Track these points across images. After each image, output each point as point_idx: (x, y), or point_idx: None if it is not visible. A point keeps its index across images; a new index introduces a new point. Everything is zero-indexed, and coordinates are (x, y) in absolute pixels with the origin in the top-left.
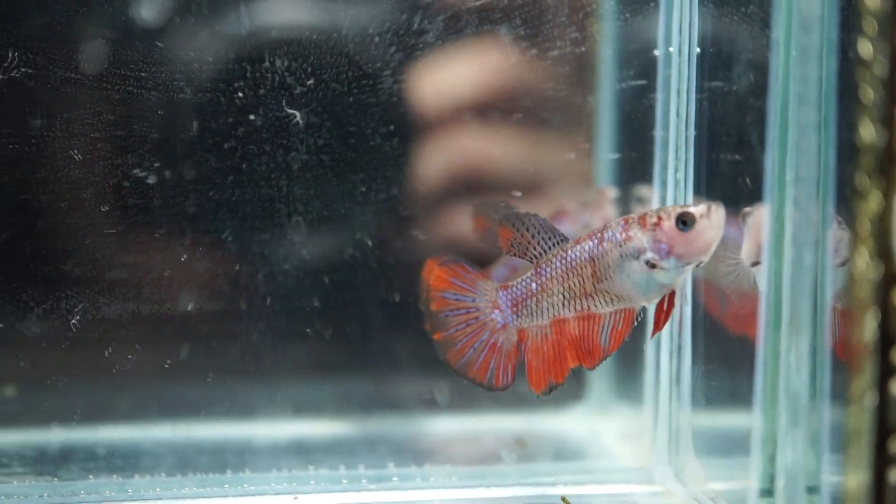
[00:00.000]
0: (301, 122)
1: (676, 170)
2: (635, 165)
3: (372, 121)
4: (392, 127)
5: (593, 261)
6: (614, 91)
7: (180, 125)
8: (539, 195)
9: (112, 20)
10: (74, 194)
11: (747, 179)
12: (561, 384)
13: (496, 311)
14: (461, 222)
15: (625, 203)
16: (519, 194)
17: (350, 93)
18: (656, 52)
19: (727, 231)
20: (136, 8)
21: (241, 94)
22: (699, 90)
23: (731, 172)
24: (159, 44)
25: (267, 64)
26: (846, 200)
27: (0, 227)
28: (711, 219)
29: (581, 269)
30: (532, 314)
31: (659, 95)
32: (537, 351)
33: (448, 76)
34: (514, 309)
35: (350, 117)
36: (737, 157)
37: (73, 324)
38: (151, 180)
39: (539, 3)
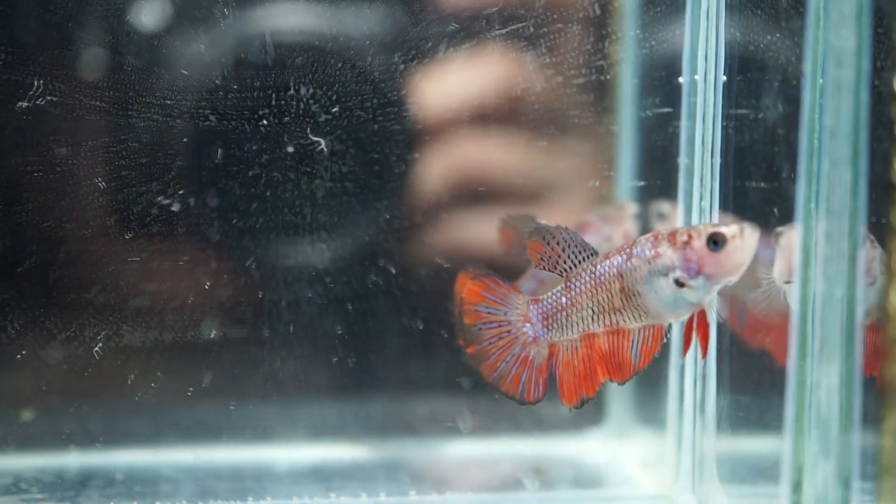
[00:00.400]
0: (326, 149)
1: (702, 198)
2: (660, 192)
3: (396, 148)
4: (416, 154)
5: (622, 276)
6: (638, 118)
7: (205, 153)
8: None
9: (137, 49)
10: (98, 222)
11: (775, 209)
12: (592, 398)
13: (527, 325)
14: (483, 242)
15: (645, 219)
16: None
17: (375, 120)
18: (681, 80)
19: (759, 250)
20: (162, 37)
21: (265, 122)
22: (725, 118)
23: (758, 202)
24: (185, 72)
25: (292, 92)
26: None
27: (24, 254)
28: (744, 240)
29: (610, 284)
30: (562, 328)
31: (684, 123)
32: (568, 365)
33: (470, 97)
34: (545, 322)
35: (375, 144)
36: (763, 185)
37: (96, 351)
38: (175, 208)
39: (564, 31)
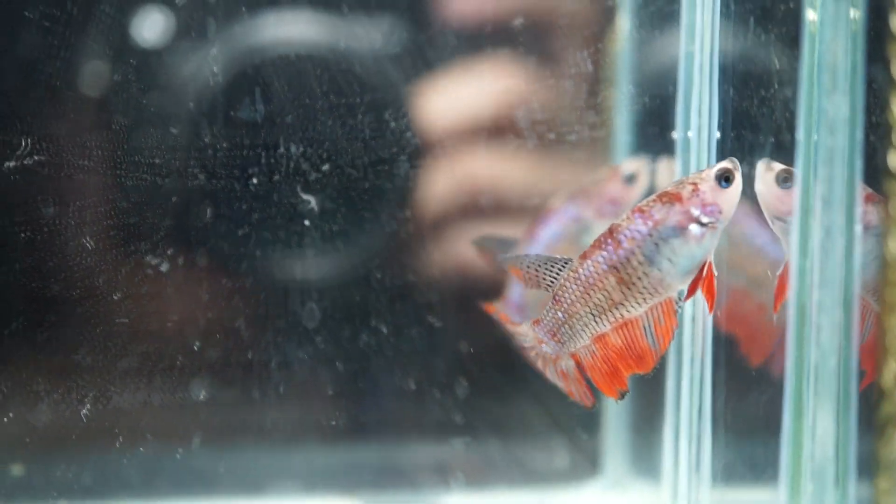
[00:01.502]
0: (316, 207)
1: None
2: None
3: (387, 206)
4: (408, 212)
5: (615, 269)
6: None
7: (194, 212)
8: None
9: (126, 107)
10: (86, 282)
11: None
12: (627, 391)
13: (543, 345)
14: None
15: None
16: None
17: (366, 178)
18: (675, 135)
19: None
20: (150, 94)
21: (255, 181)
22: None
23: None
24: (173, 130)
25: (282, 150)
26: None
27: (11, 315)
28: (738, 169)
29: (601, 282)
30: (571, 338)
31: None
32: (593, 369)
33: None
34: (555, 338)
35: (365, 202)
36: None
37: (84, 413)
38: (164, 267)
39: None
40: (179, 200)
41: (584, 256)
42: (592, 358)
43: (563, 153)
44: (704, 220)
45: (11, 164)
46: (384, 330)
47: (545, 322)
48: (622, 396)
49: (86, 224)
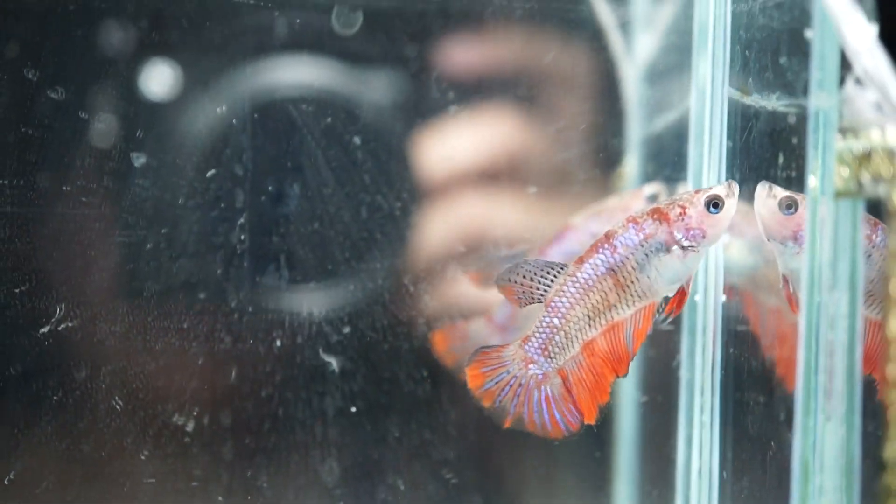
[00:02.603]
0: (337, 369)
1: (702, 411)
2: (662, 410)
3: (405, 367)
4: (425, 373)
5: (613, 271)
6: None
7: (219, 373)
8: None
9: (156, 274)
10: (115, 442)
11: (781, 415)
12: (608, 402)
13: (531, 366)
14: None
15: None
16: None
17: (385, 340)
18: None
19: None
20: (179, 261)
21: (279, 343)
22: (724, 335)
23: (759, 413)
24: (201, 296)
25: (305, 314)
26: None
27: (43, 474)
28: (733, 195)
29: (600, 284)
30: (562, 348)
31: (685, 338)
32: (580, 382)
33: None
34: (546, 353)
35: (384, 364)
36: (761, 399)
37: None
38: (190, 427)
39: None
40: (206, 363)
41: (580, 261)
42: (579, 369)
43: (559, 199)
44: (685, 244)
45: (46, 329)
46: (401, 486)
47: (537, 335)
48: (601, 415)
49: (114, 387)
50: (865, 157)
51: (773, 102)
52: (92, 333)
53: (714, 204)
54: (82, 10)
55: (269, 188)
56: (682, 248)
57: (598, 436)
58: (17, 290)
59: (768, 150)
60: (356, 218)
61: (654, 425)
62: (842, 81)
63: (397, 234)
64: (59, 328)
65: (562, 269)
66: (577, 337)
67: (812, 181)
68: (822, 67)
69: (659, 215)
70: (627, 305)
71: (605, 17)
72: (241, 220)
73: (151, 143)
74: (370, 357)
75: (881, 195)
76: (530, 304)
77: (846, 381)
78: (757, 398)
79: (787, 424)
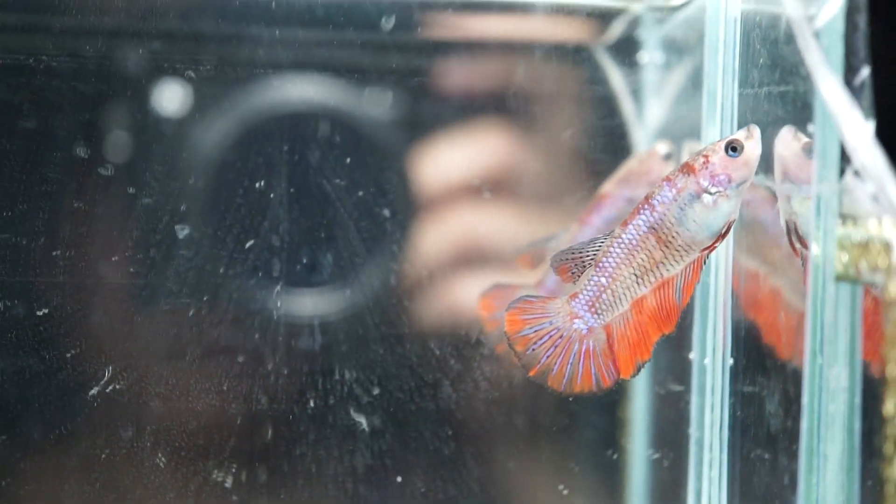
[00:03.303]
0: (367, 428)
1: (710, 468)
2: (673, 467)
3: (431, 426)
4: (449, 431)
5: (654, 229)
6: (652, 395)
7: (256, 432)
8: None
9: (198, 340)
10: (158, 497)
11: (785, 478)
12: (648, 360)
13: (576, 321)
14: None
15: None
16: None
17: (413, 401)
18: (692, 356)
19: None
20: (220, 327)
21: (312, 404)
22: (732, 394)
23: (764, 471)
24: (240, 359)
25: (337, 377)
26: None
27: None
28: (753, 137)
29: (644, 242)
30: (611, 306)
31: (694, 398)
32: (623, 338)
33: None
34: (593, 309)
35: (412, 423)
36: (766, 456)
37: None
38: (228, 483)
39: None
40: (243, 422)
41: (624, 224)
42: (626, 326)
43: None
44: (713, 189)
45: (95, 391)
46: None
47: (585, 292)
48: (638, 370)
49: (159, 444)
50: (864, 246)
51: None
52: (138, 395)
53: (733, 147)
54: (133, 96)
55: (304, 258)
56: (711, 194)
57: (610, 491)
58: (68, 355)
59: None
60: (386, 286)
61: (665, 480)
62: (842, 172)
63: (425, 301)
64: (107, 390)
65: (606, 236)
66: (625, 295)
67: (814, 258)
68: (822, 158)
69: (687, 168)
70: (675, 261)
71: (617, 83)
72: (278, 288)
73: (195, 217)
74: (398, 416)
75: (878, 284)
76: (583, 273)
77: (846, 450)
78: (763, 456)
79: (791, 487)
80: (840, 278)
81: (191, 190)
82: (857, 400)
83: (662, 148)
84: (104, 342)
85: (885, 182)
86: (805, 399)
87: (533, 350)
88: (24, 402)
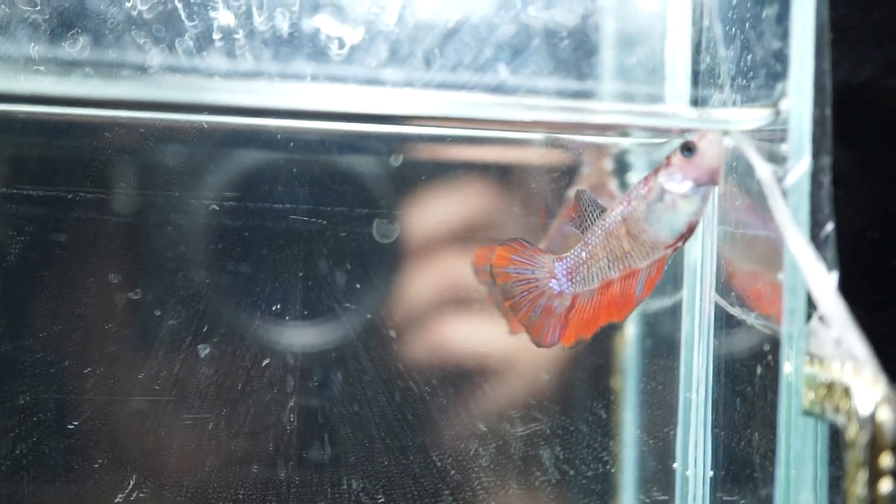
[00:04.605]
0: None
1: None
2: None
3: None
4: None
5: (625, 220)
6: (638, 502)
7: None
8: None
9: (217, 450)
10: None
11: None
12: (587, 340)
13: (553, 280)
14: None
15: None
16: None
17: None
18: (675, 466)
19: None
20: (236, 441)
21: None
22: (713, 503)
23: None
24: (255, 469)
25: (345, 485)
26: None
27: None
28: (708, 139)
29: (616, 230)
30: (584, 280)
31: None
32: (580, 312)
33: None
34: (570, 276)
35: None
36: None
37: None
38: None
39: (575, 432)
40: None
41: (611, 209)
42: (588, 302)
43: None
44: (672, 189)
45: (119, 498)
46: None
47: (568, 259)
48: (576, 344)
49: None
50: (827, 387)
51: (752, 319)
52: (159, 502)
53: (687, 148)
54: (161, 227)
55: (315, 376)
56: (671, 194)
57: None
58: (95, 465)
59: None
60: (391, 401)
61: None
62: (809, 316)
63: (427, 416)
64: (131, 498)
65: (602, 212)
66: (597, 275)
67: (786, 390)
68: (792, 299)
69: (656, 171)
70: (640, 255)
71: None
72: (291, 404)
73: (215, 336)
74: None
75: (840, 424)
76: (578, 229)
77: None
78: None
79: None
80: (807, 413)
81: (213, 312)
82: None
83: (608, 163)
84: (129, 453)
85: (846, 330)
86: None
87: (510, 286)
88: None
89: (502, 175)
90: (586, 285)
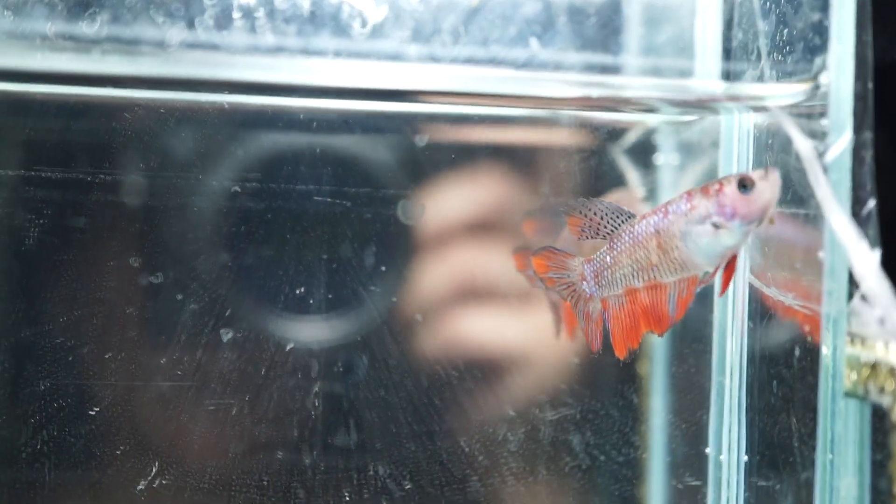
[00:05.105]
0: None
1: None
2: None
3: None
4: None
5: (658, 233)
6: (670, 489)
7: None
8: None
9: (240, 437)
10: None
11: None
12: (637, 349)
13: (584, 283)
14: None
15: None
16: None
17: (443, 495)
18: (708, 451)
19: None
20: (260, 426)
21: (347, 498)
22: (747, 488)
23: None
24: (279, 455)
25: (371, 472)
26: None
27: None
28: (769, 180)
29: (646, 241)
30: (609, 284)
31: (710, 493)
32: (616, 318)
33: None
34: (596, 279)
35: None
36: None
37: None
38: None
39: (605, 416)
40: None
41: (642, 217)
42: (619, 308)
43: None
44: (716, 220)
45: (142, 485)
46: None
47: (595, 262)
48: (631, 356)
49: None
50: (871, 367)
51: (789, 300)
52: (182, 489)
53: (743, 184)
54: (181, 210)
55: (340, 361)
56: (714, 223)
57: None
58: (117, 451)
59: None
60: (417, 386)
61: None
62: (851, 295)
63: (455, 400)
64: (154, 485)
65: (629, 217)
66: (621, 281)
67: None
68: (832, 279)
69: (705, 191)
70: (668, 270)
71: (634, 182)
72: (316, 389)
73: (238, 322)
74: None
75: (885, 406)
76: (593, 239)
77: None
78: None
79: None
80: (848, 394)
81: (235, 296)
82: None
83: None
84: (151, 440)
85: (891, 308)
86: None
87: (556, 291)
88: (76, 497)
89: (529, 157)
90: (611, 290)
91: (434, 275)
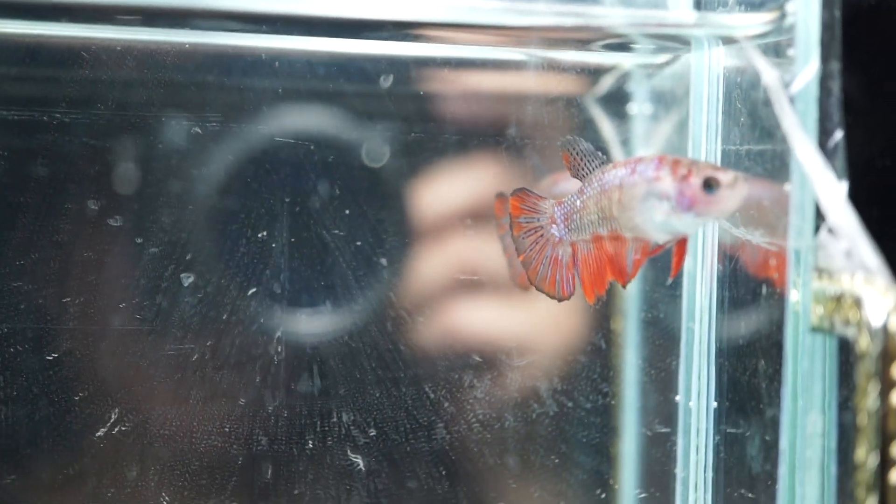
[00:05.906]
0: (363, 467)
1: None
2: (658, 498)
3: (425, 466)
4: (443, 470)
5: (622, 187)
6: (640, 436)
7: (257, 472)
8: None
9: (202, 383)
10: None
11: None
12: (604, 297)
13: (553, 226)
14: None
15: None
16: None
17: (407, 442)
18: (678, 398)
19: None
20: (222, 370)
21: (311, 444)
22: (715, 436)
23: None
24: (241, 402)
25: (335, 419)
26: None
27: None
28: (735, 189)
29: (611, 192)
30: (577, 228)
31: (680, 440)
32: (585, 263)
33: None
34: (566, 222)
35: (406, 464)
36: (749, 495)
37: None
38: None
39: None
40: (244, 462)
41: (613, 166)
42: (587, 254)
43: None
44: (673, 203)
45: (101, 432)
46: None
47: (565, 204)
48: (598, 302)
49: (163, 484)
50: (837, 300)
51: (757, 238)
52: (143, 436)
53: (709, 183)
54: (140, 150)
55: (304, 305)
56: (669, 205)
57: None
58: (76, 398)
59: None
60: (382, 331)
61: None
62: (817, 228)
63: (420, 346)
64: (114, 431)
65: (602, 163)
66: (588, 227)
67: (792, 308)
68: (799, 214)
69: (674, 167)
70: (625, 226)
71: (607, 132)
72: (278, 334)
73: (199, 265)
74: (394, 457)
75: (850, 337)
76: (575, 178)
77: (822, 493)
78: (746, 495)
79: None
80: (815, 329)
81: (196, 240)
82: (833, 445)
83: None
84: (111, 386)
85: (857, 240)
86: (783, 444)
87: (523, 238)
88: (33, 444)
89: (496, 101)
90: (580, 234)
91: (406, 215)
